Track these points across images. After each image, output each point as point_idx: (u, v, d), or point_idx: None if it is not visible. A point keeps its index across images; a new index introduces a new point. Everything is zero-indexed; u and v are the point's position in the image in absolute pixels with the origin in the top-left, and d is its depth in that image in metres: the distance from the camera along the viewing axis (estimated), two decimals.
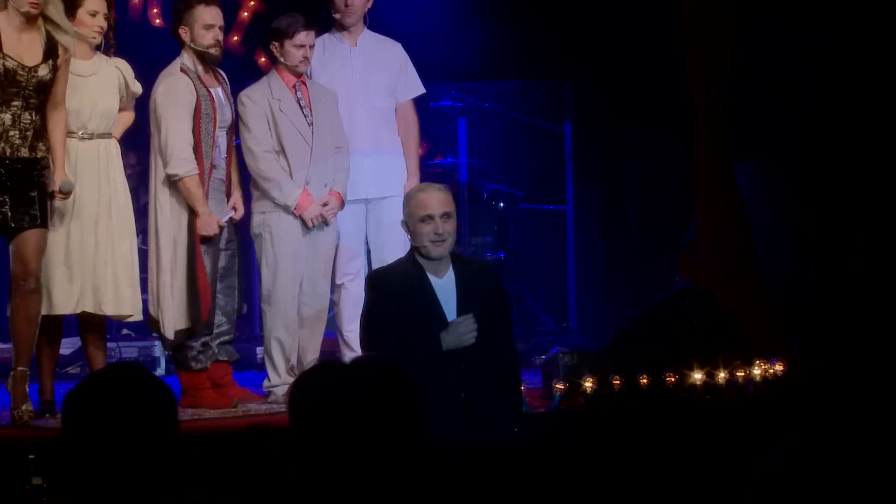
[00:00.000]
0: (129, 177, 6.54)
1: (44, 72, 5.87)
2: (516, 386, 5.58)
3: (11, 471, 4.60)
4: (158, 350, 8.37)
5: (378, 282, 5.55)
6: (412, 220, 5.47)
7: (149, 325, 6.71)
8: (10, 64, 5.83)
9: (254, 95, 6.78)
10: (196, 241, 6.48)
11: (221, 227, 6.58)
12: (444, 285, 5.46)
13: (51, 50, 5.91)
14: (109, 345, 6.94)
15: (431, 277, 5.45)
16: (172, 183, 6.48)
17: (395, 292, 5.41)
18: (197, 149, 6.45)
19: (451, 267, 5.50)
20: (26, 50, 5.88)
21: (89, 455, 2.69)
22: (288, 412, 2.91)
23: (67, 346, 7.48)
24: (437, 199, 5.48)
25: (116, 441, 2.69)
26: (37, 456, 4.33)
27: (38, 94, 5.89)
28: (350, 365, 2.94)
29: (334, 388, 2.83)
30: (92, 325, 6.36)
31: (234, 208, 6.76)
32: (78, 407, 2.75)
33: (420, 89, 7.34)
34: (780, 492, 2.67)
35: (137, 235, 6.55)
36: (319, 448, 2.79)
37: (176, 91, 6.48)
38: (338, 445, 2.78)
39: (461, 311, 5.39)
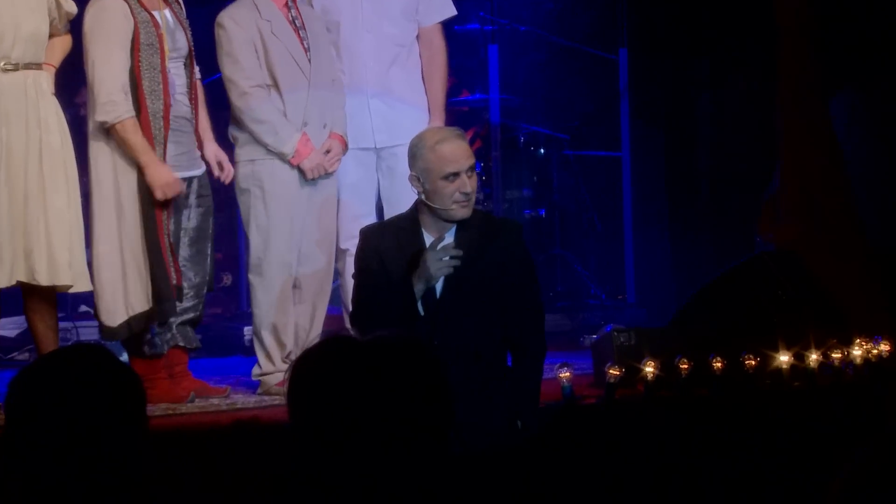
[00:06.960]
0: (82, 118, 6.45)
1: None
2: (530, 372, 5.58)
3: None
4: None
5: (368, 241, 5.66)
6: (430, 177, 5.48)
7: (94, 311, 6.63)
8: None
9: (238, 16, 6.73)
10: (151, 202, 6.32)
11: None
12: None
13: None
14: (63, 324, 6.92)
15: (427, 236, 5.53)
16: (107, 131, 6.35)
17: (384, 253, 5.56)
18: (137, 87, 6.32)
19: (454, 226, 5.54)
20: None
21: (36, 456, 2.68)
22: (286, 398, 2.90)
23: (12, 327, 7.48)
24: (464, 152, 5.51)
25: (70, 439, 2.68)
26: None
27: None
28: (366, 342, 2.93)
29: (345, 368, 2.82)
30: (37, 299, 6.27)
31: (220, 165, 6.69)
32: (23, 397, 2.75)
33: (449, 9, 7.32)
34: (873, 495, 2.66)
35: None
36: (324, 444, 2.79)
37: (105, 16, 6.33)
38: (347, 442, 2.77)
39: (450, 275, 5.43)
